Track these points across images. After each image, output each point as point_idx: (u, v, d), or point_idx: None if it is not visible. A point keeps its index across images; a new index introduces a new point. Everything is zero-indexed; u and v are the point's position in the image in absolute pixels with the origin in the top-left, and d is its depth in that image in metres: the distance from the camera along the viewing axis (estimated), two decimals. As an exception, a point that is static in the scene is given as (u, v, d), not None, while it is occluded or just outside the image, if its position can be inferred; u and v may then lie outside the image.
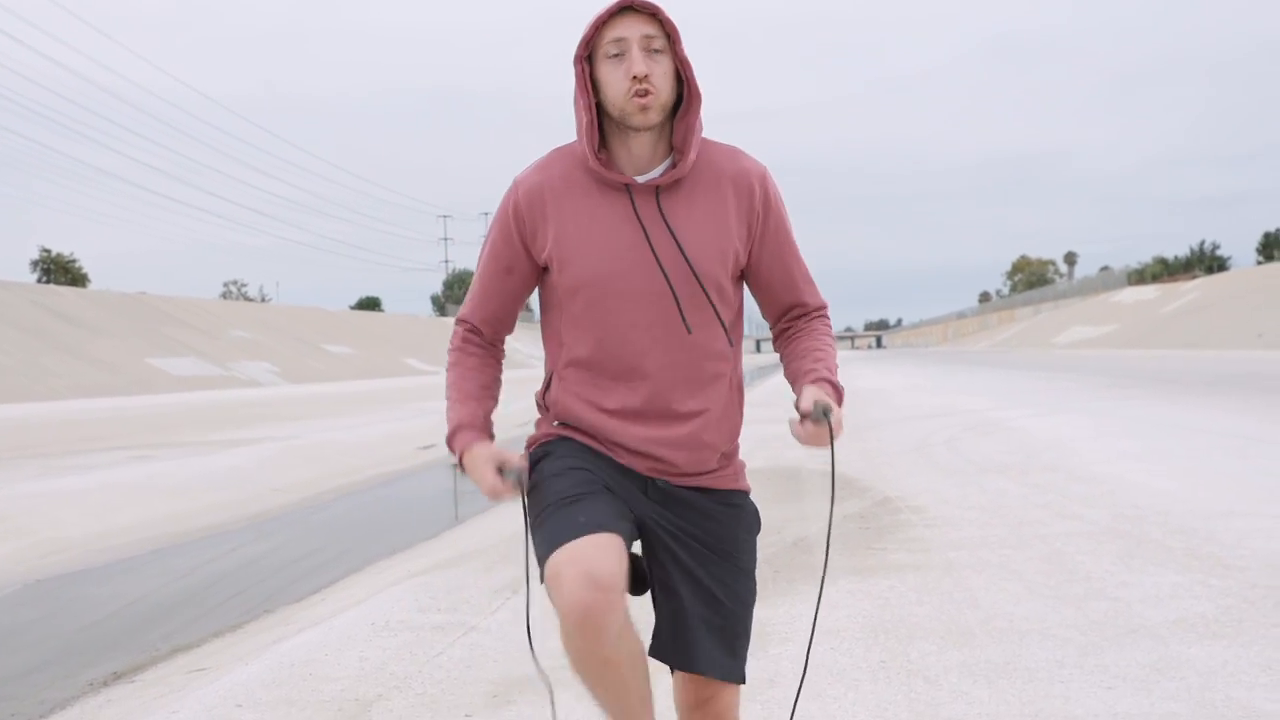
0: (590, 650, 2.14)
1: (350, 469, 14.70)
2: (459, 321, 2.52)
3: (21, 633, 6.78)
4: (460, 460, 2.38)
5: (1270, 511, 7.36)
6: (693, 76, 2.25)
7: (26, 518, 10.52)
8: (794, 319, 2.51)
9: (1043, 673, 4.19)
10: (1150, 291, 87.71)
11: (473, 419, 2.40)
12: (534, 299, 2.58)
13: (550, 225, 2.32)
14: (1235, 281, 72.62)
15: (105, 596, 7.78)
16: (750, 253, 2.39)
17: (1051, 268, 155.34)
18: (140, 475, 13.67)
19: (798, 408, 2.28)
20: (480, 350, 2.49)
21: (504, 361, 2.55)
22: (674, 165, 2.31)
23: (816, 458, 12.00)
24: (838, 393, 2.35)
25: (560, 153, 2.37)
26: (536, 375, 24.19)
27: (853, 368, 52.03)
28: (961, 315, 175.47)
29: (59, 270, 74.80)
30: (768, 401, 25.34)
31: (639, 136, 2.28)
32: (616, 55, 2.22)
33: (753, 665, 4.48)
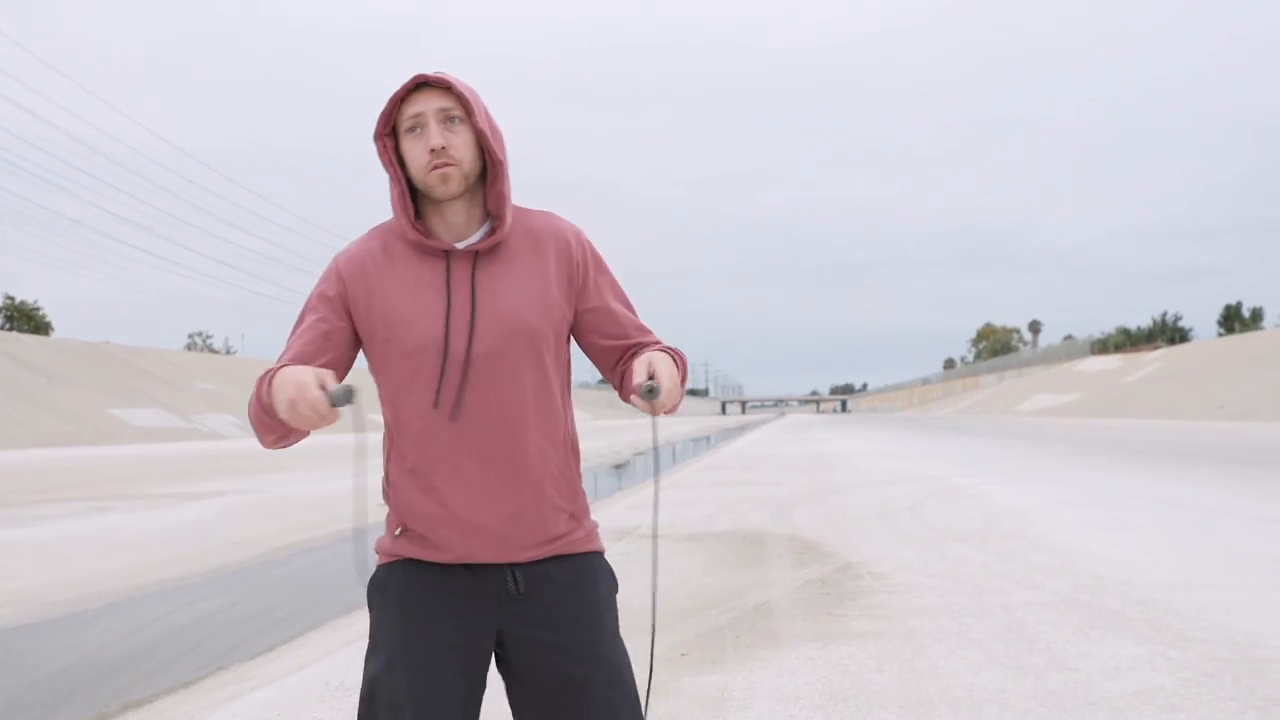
0: None
1: (309, 524, 14.56)
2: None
3: (-31, 687, 6.65)
4: (269, 383, 2.15)
5: (1229, 584, 7.41)
6: (491, 146, 2.28)
7: (-21, 569, 10.34)
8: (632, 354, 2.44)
9: (1001, 744, 4.18)
10: (1113, 361, 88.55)
11: (295, 361, 2.26)
12: None
13: (370, 296, 2.29)
14: (1197, 352, 73.48)
15: (59, 650, 7.65)
16: (576, 309, 2.38)
17: (1016, 335, 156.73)
18: (98, 527, 13.49)
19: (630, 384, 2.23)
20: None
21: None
22: (492, 231, 2.33)
23: (781, 521, 11.99)
24: (676, 359, 2.31)
25: (379, 229, 2.38)
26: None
27: (817, 431, 52.15)
28: (926, 381, 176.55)
29: (22, 317, 74.23)
30: (730, 463, 25.35)
31: (451, 205, 2.30)
32: (414, 129, 2.25)
33: (711, 732, 4.44)
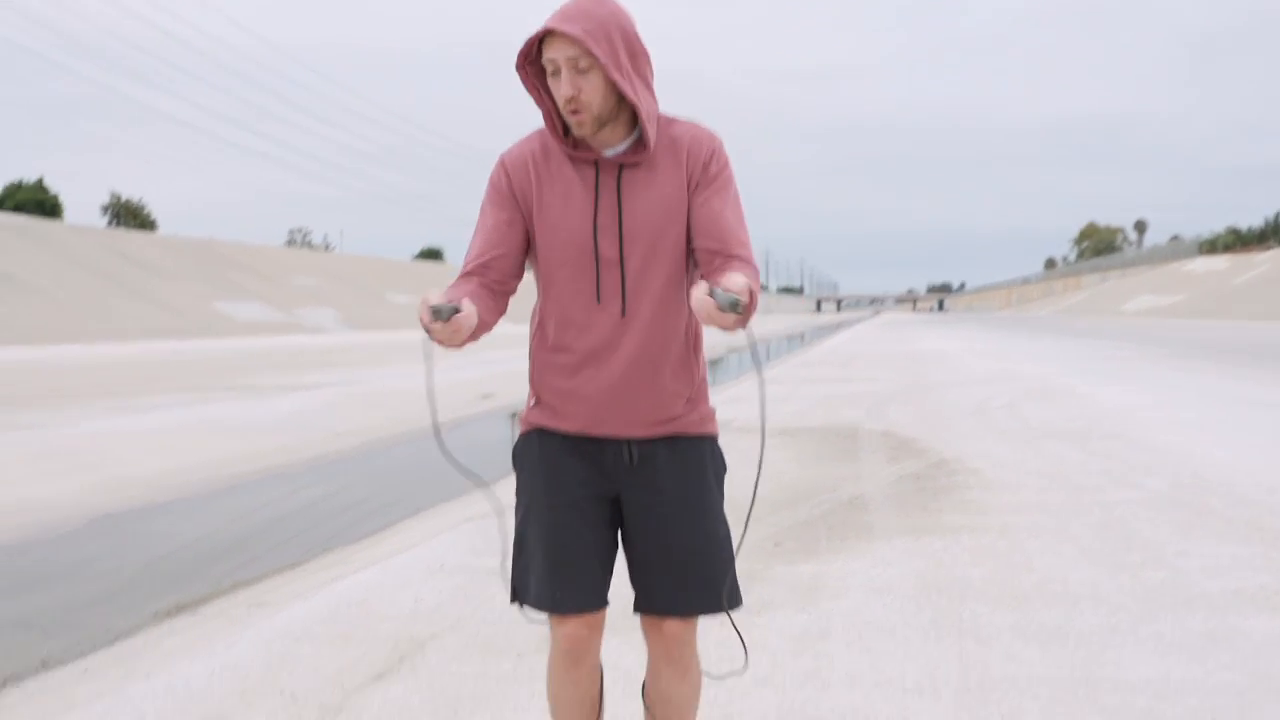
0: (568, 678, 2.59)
1: (409, 416, 14.84)
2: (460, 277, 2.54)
3: (89, 564, 6.95)
4: None
5: (1336, 486, 7.24)
6: (628, 91, 2.39)
7: (94, 454, 10.75)
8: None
9: (1096, 638, 4.17)
10: (1221, 262, 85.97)
11: (478, 252, 2.52)
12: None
13: (533, 193, 2.50)
14: (1310, 254, 70.98)
15: (169, 532, 7.95)
16: (689, 203, 2.49)
17: (1120, 235, 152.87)
18: (203, 417, 13.91)
19: (717, 283, 2.22)
20: (476, 281, 2.51)
21: (502, 317, 2.55)
22: (638, 142, 2.47)
23: (875, 418, 11.95)
24: (752, 298, 2.30)
25: (541, 131, 2.56)
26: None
27: (912, 329, 51.59)
28: (1026, 281, 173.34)
29: (129, 215, 75.78)
30: (824, 360, 25.23)
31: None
32: (552, 73, 2.41)
33: (804, 619, 4.50)
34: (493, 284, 2.52)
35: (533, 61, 2.47)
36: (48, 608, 5.94)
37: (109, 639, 5.11)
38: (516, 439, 2.66)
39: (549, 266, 2.50)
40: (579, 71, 2.37)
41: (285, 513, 8.73)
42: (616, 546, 2.59)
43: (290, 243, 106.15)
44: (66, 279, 44.36)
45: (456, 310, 2.23)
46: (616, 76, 2.37)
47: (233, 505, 8.99)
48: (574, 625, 2.51)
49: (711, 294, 2.11)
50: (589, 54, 2.36)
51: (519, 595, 2.59)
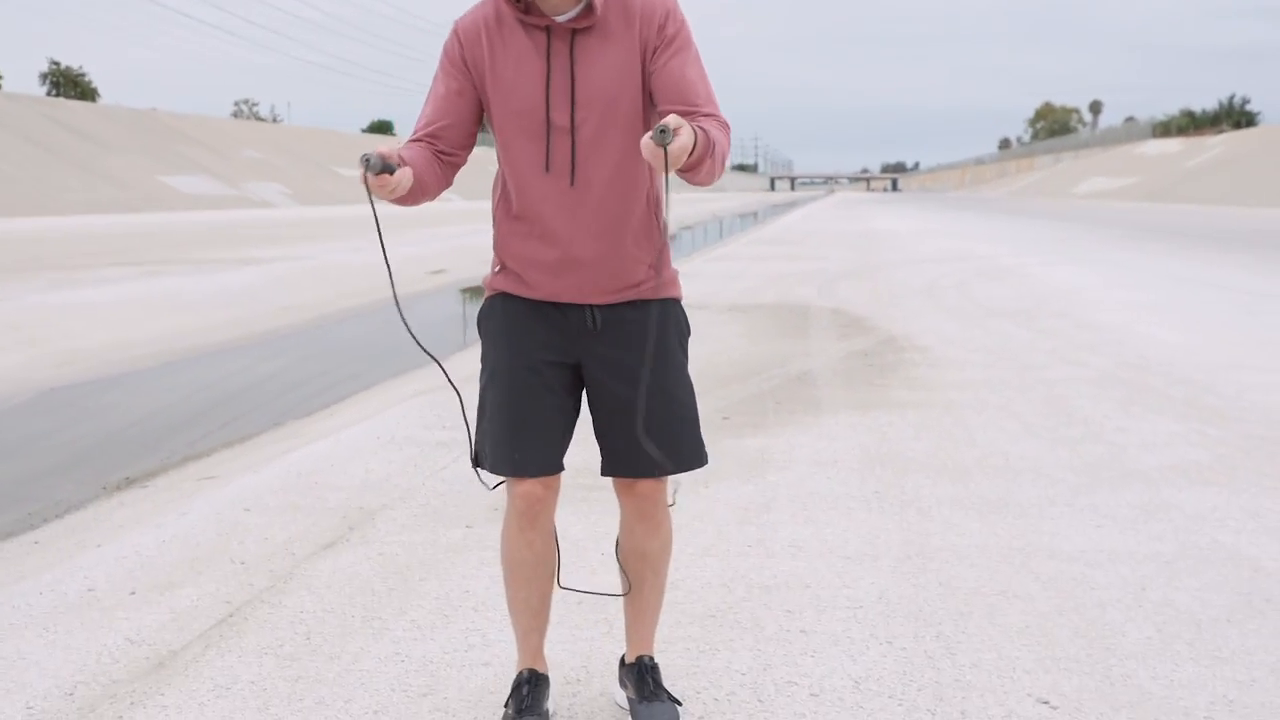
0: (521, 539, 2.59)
1: (360, 290, 14.76)
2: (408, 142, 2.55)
3: (37, 438, 6.92)
4: None
5: (1274, 366, 7.40)
6: None
7: (39, 328, 10.62)
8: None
9: (1034, 510, 4.28)
10: (1174, 144, 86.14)
11: (427, 120, 2.53)
12: None
13: (485, 60, 2.47)
14: (1263, 138, 71.24)
15: (118, 406, 7.91)
16: (646, 68, 2.46)
17: (1075, 116, 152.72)
18: (152, 290, 13.74)
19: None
20: (425, 146, 2.52)
21: (451, 185, 2.57)
22: (588, 7, 2.43)
23: (826, 296, 12.01)
24: (707, 140, 2.28)
25: None
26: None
27: (866, 209, 51.62)
28: (980, 161, 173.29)
29: (68, 84, 73.85)
30: (777, 239, 25.24)
31: None
32: None
33: (749, 490, 4.57)
34: (439, 153, 2.52)
35: None
36: (-5, 479, 5.92)
37: (58, 512, 5.11)
38: (482, 303, 2.66)
39: (503, 134, 2.48)
40: None
41: (236, 387, 8.70)
42: (577, 413, 2.61)
43: (236, 114, 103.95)
44: (3, 150, 43.28)
45: (388, 169, 2.25)
46: None
47: (182, 380, 8.94)
48: (530, 484, 2.54)
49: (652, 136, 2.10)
50: None
51: (479, 459, 2.61)
